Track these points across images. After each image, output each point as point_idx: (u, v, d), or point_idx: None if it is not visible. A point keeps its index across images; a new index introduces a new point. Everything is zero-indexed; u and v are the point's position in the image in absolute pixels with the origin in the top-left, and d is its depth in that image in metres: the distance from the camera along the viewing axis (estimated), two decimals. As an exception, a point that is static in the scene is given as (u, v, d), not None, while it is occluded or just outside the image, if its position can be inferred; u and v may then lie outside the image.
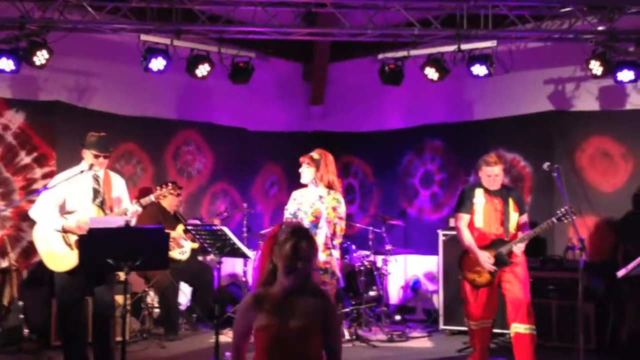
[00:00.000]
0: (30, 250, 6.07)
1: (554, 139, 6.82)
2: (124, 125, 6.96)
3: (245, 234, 7.06)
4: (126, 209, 4.83)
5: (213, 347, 4.70)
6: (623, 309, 5.80)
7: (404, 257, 7.86)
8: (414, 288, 7.87)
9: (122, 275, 4.03)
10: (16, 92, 6.37)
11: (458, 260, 5.31)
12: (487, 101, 7.43)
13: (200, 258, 7.14)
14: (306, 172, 4.81)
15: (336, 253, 4.63)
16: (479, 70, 6.50)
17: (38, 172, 6.39)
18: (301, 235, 2.69)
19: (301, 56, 8.71)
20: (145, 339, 6.17)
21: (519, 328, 4.95)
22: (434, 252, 6.90)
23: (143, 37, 6.35)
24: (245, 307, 2.72)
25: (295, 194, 4.92)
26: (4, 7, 5.85)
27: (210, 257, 7.21)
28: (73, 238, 4.63)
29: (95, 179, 4.84)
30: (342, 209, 4.78)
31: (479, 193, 5.18)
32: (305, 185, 4.87)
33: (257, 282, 2.78)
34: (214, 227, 4.81)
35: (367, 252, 7.12)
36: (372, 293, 6.91)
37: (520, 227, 5.16)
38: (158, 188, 5.20)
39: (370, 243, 7.11)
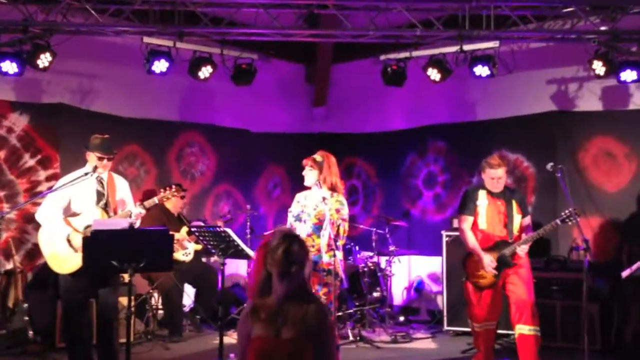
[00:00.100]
0: (34, 252, 6.09)
1: (557, 139, 6.81)
2: (127, 127, 6.98)
3: (249, 236, 7.07)
4: (130, 211, 4.84)
5: (217, 349, 4.70)
6: (627, 309, 5.79)
7: (408, 258, 7.86)
8: (417, 289, 7.87)
9: (126, 277, 4.04)
10: (20, 94, 6.39)
11: (461, 262, 5.31)
12: (489, 102, 7.42)
13: (204, 259, 7.15)
14: (309, 175, 4.82)
15: (340, 254, 4.63)
16: (482, 70, 6.50)
17: (42, 174, 6.41)
18: (292, 240, 2.70)
19: (304, 58, 8.72)
20: (150, 341, 6.18)
21: (523, 329, 4.94)
22: (438, 253, 6.90)
23: (146, 39, 6.37)
24: (243, 317, 2.75)
25: (299, 196, 4.93)
26: (7, 10, 5.88)
27: (213, 259, 7.22)
28: (78, 241, 4.64)
29: (99, 181, 4.86)
30: (345, 211, 4.78)
31: (482, 195, 5.18)
32: (308, 188, 4.87)
33: (253, 291, 2.78)
34: (218, 229, 4.81)
35: (371, 253, 7.12)
36: (375, 294, 6.91)
37: (523, 229, 5.16)
38: (162, 190, 5.21)
39: (374, 244, 7.11)
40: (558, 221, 4.85)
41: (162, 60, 6.44)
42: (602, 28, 6.09)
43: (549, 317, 5.85)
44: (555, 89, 7.03)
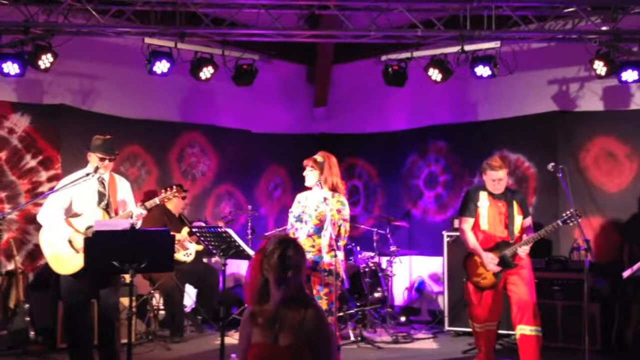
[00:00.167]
0: (36, 253, 6.10)
1: (558, 139, 6.80)
2: (129, 128, 6.98)
3: (250, 236, 7.08)
4: (131, 212, 4.85)
5: (218, 349, 4.71)
6: (628, 309, 5.79)
7: (409, 258, 7.86)
8: (418, 289, 7.87)
9: (127, 278, 4.05)
10: (21, 95, 6.40)
11: (462, 262, 5.31)
12: (490, 102, 7.42)
13: (205, 260, 7.15)
14: (310, 175, 4.82)
15: (341, 255, 4.64)
16: (483, 71, 6.49)
17: (43, 175, 6.42)
18: (288, 244, 2.70)
19: (305, 58, 8.72)
20: (151, 341, 6.18)
21: (524, 330, 4.94)
22: (439, 253, 6.90)
23: (147, 40, 6.37)
24: (243, 322, 2.76)
25: (300, 196, 4.93)
26: (8, 11, 5.89)
27: (215, 259, 7.23)
28: (79, 241, 4.65)
29: (101, 182, 4.87)
30: (347, 211, 4.78)
31: (483, 196, 5.18)
32: (309, 188, 4.87)
33: (250, 297, 2.78)
34: (219, 229, 4.82)
35: (372, 254, 7.13)
36: (376, 294, 6.91)
37: (524, 229, 5.16)
38: (163, 191, 5.22)
39: (375, 244, 7.11)
40: (559, 222, 4.85)
41: (164, 61, 6.44)
42: (603, 28, 6.09)
43: (550, 317, 5.85)
44: (556, 89, 7.03)
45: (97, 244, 4.03)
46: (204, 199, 7.77)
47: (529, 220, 5.23)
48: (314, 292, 4.63)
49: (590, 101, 6.79)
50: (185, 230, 6.60)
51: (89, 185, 4.80)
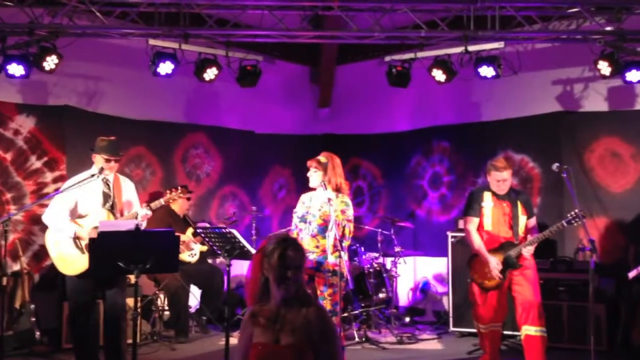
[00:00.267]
0: (41, 253, 6.12)
1: (563, 139, 6.79)
2: (133, 129, 7.00)
3: (254, 237, 7.08)
4: (136, 213, 4.87)
5: (223, 350, 4.72)
6: (634, 310, 5.77)
7: (413, 259, 7.86)
8: (423, 290, 7.86)
9: (132, 278, 4.05)
10: (26, 97, 6.42)
11: (467, 263, 5.31)
12: (494, 102, 7.41)
13: (209, 261, 7.16)
14: (314, 176, 4.82)
15: (345, 255, 4.63)
16: (487, 71, 6.48)
17: (48, 176, 6.44)
18: (288, 244, 2.71)
19: (308, 59, 8.73)
20: (156, 342, 6.19)
21: (529, 330, 4.94)
22: (443, 253, 6.89)
23: (151, 41, 6.39)
24: (244, 322, 2.76)
25: (304, 197, 4.93)
26: (13, 13, 5.91)
27: (219, 260, 7.24)
28: (84, 242, 4.67)
29: (106, 183, 4.88)
30: (351, 212, 4.79)
31: (487, 196, 5.17)
32: (313, 189, 4.88)
33: (250, 296, 2.78)
34: (224, 230, 4.83)
35: (376, 254, 7.13)
36: (381, 295, 6.91)
37: (528, 230, 5.15)
38: (168, 191, 5.23)
39: (379, 245, 7.11)
40: (564, 222, 4.84)
41: (168, 62, 6.45)
42: (608, 28, 6.08)
43: (555, 318, 5.84)
44: (560, 90, 7.02)
45: (102, 245, 4.04)
46: (208, 200, 7.78)
47: (533, 221, 5.22)
48: (318, 292, 4.63)
49: (595, 101, 6.78)
50: (190, 231, 6.61)
51: (94, 187, 4.82)
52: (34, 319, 5.68)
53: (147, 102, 7.25)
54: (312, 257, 4.68)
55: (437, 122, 7.88)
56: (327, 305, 4.55)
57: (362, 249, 7.13)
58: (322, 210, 4.71)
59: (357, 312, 6.73)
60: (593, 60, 6.20)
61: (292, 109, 8.72)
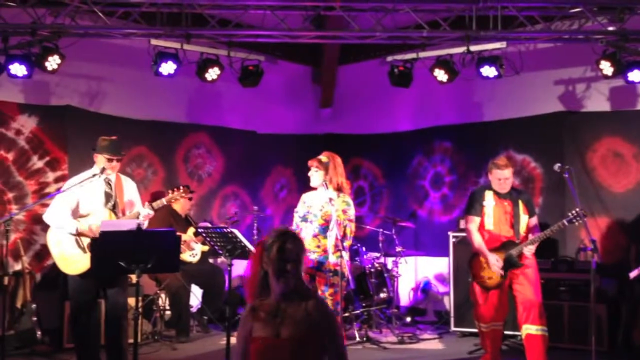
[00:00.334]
0: (43, 253, 6.14)
1: (565, 139, 6.79)
2: (135, 129, 7.02)
3: (256, 237, 7.08)
4: (138, 212, 4.87)
5: (224, 349, 4.73)
6: (635, 310, 5.77)
7: (415, 259, 7.86)
8: (424, 290, 7.86)
9: (133, 278, 4.06)
10: (28, 97, 6.44)
11: (468, 262, 5.31)
12: (496, 102, 7.41)
13: (211, 260, 7.17)
14: (315, 176, 4.83)
15: (346, 255, 4.64)
16: (489, 71, 6.48)
17: (50, 176, 6.46)
18: (286, 237, 2.71)
19: (310, 59, 8.73)
20: (157, 341, 6.20)
21: (530, 329, 4.94)
22: (445, 253, 6.89)
23: (153, 41, 6.39)
24: (244, 319, 2.76)
25: (305, 196, 4.94)
26: (16, 13, 5.92)
27: (221, 260, 7.25)
28: (86, 241, 4.68)
29: (107, 182, 4.89)
30: (352, 211, 4.79)
31: (488, 195, 5.18)
32: (314, 188, 4.88)
33: (250, 291, 2.78)
34: (225, 230, 4.83)
35: (378, 254, 7.12)
36: (382, 295, 6.91)
37: (530, 229, 5.15)
38: (170, 191, 5.24)
39: (381, 245, 7.11)
40: (565, 222, 4.84)
41: (170, 62, 6.46)
42: (610, 28, 6.07)
43: (556, 317, 5.84)
44: (562, 90, 7.01)
45: (104, 244, 4.05)
46: (210, 200, 7.79)
47: (535, 220, 5.22)
48: (319, 292, 4.64)
49: (597, 101, 6.77)
50: (191, 230, 6.62)
51: (96, 186, 4.83)
52: (35, 319, 5.69)
53: (149, 102, 7.26)
54: (313, 256, 4.69)
55: (439, 122, 7.87)
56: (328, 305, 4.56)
57: (364, 248, 7.13)
58: (324, 210, 4.72)
59: (358, 312, 6.73)
60: (595, 60, 6.19)
61: (294, 109, 8.73)
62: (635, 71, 6.01)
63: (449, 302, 6.93)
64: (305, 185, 5.04)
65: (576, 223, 4.83)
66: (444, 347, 6.32)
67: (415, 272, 7.97)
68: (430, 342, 6.51)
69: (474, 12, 6.11)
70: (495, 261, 5.00)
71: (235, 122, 8.06)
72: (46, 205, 5.03)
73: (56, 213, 4.76)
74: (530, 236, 5.06)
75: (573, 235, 6.52)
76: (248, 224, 7.59)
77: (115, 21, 6.15)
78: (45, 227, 4.94)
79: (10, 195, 6.24)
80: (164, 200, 5.06)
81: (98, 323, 4.99)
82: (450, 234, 6.78)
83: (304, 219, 4.82)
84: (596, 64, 6.19)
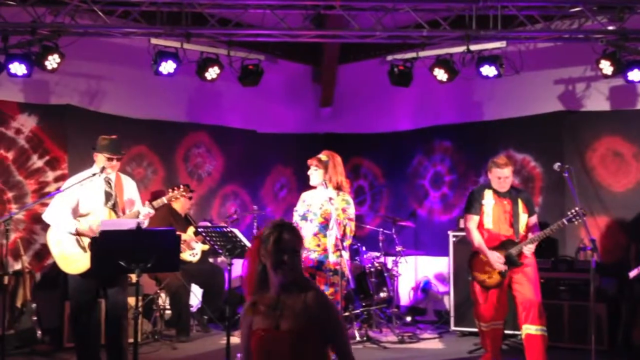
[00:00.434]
0: (43, 252, 6.14)
1: (565, 139, 6.79)
2: (135, 128, 7.02)
3: (256, 236, 7.07)
4: (138, 211, 4.87)
5: (224, 349, 4.73)
6: (635, 309, 5.77)
7: (415, 258, 7.86)
8: (424, 289, 7.86)
9: (133, 278, 4.06)
10: (28, 96, 6.44)
11: (467, 261, 5.31)
12: (496, 102, 7.41)
13: (211, 260, 7.17)
14: (315, 174, 4.83)
15: (346, 254, 4.64)
16: (489, 71, 6.48)
17: (50, 175, 6.45)
18: (283, 228, 2.70)
19: (310, 58, 8.73)
20: (157, 341, 6.20)
21: (530, 329, 4.94)
22: (445, 253, 6.90)
23: (153, 40, 6.39)
24: (244, 311, 2.76)
25: (305, 195, 4.94)
26: (16, 12, 5.92)
27: (221, 259, 7.24)
28: (86, 240, 4.68)
29: (107, 181, 4.89)
30: (352, 210, 4.79)
31: (488, 194, 5.18)
32: (314, 187, 4.88)
33: (249, 286, 2.78)
34: (225, 229, 4.83)
35: (378, 254, 7.13)
36: (382, 294, 6.91)
37: (529, 228, 5.15)
38: (170, 190, 5.24)
39: (381, 244, 7.11)
40: (565, 221, 4.84)
41: (170, 62, 6.46)
42: (610, 28, 6.07)
43: (556, 317, 5.84)
44: (562, 89, 7.01)
45: (104, 244, 4.05)
46: (209, 199, 7.79)
47: (534, 219, 5.23)
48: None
49: (597, 101, 6.77)
50: (191, 230, 6.62)
51: (96, 185, 4.83)
52: (35, 318, 5.69)
53: (149, 101, 7.26)
54: (313, 256, 4.69)
55: (439, 121, 7.87)
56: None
57: (364, 248, 7.13)
58: (323, 209, 4.72)
59: (358, 311, 6.73)
60: (595, 60, 6.19)
61: (294, 108, 8.73)
62: (635, 70, 6.01)
63: (449, 302, 6.93)
64: (305, 185, 5.04)
65: (576, 222, 4.83)
66: (444, 347, 6.33)
67: (415, 272, 7.97)
68: (430, 342, 6.51)
69: (474, 12, 6.11)
70: (496, 258, 5.00)
71: (235, 122, 8.06)
72: (46, 205, 5.03)
73: (56, 212, 4.76)
74: (530, 235, 5.07)
75: (573, 234, 6.53)
76: (248, 223, 7.59)
77: (115, 20, 6.15)
78: (45, 227, 4.94)
79: (10, 194, 6.24)
80: (164, 199, 5.07)
81: (98, 322, 4.99)
82: (450, 233, 6.78)
83: (304, 217, 4.82)
84: (596, 64, 6.19)
